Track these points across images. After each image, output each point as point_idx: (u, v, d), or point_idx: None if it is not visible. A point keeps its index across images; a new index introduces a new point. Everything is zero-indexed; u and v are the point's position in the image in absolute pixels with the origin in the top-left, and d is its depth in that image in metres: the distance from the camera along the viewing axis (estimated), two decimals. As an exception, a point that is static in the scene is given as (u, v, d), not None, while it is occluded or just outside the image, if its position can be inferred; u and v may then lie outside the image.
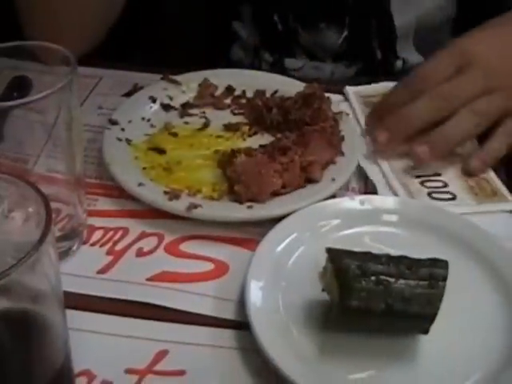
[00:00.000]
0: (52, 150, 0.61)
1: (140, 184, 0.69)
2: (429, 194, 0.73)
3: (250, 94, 0.85)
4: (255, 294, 0.58)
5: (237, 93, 0.86)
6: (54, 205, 0.47)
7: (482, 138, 0.77)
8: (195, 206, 0.66)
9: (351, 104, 0.86)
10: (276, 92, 0.84)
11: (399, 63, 1.02)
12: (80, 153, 0.64)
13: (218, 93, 0.85)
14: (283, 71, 0.97)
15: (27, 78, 0.64)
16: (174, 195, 0.68)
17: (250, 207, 0.67)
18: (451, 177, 0.75)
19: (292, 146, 0.71)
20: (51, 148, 0.61)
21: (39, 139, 0.60)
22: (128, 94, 0.86)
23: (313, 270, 0.58)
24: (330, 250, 0.56)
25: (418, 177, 0.75)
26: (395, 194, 0.72)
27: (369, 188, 0.74)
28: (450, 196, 0.73)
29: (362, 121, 0.83)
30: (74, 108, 0.60)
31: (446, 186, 0.74)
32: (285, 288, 0.60)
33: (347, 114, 0.81)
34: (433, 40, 0.98)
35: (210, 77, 0.86)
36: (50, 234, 0.43)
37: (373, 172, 0.75)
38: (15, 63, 0.62)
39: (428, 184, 0.74)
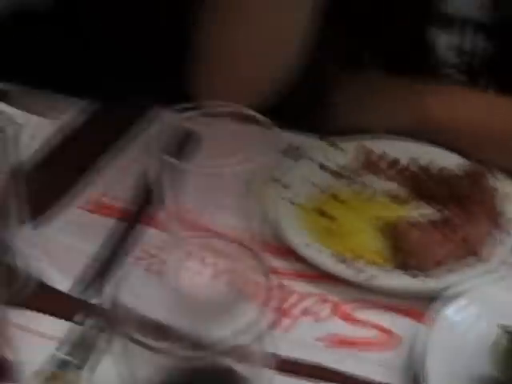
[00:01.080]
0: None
1: (307, 245, 0.71)
2: None
3: (404, 162, 0.85)
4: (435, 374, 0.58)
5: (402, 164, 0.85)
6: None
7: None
8: (365, 273, 0.68)
9: None
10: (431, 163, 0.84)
11: None
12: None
13: (379, 160, 0.86)
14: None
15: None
16: (341, 259, 0.70)
17: (420, 279, 0.68)
18: None
19: (457, 220, 0.73)
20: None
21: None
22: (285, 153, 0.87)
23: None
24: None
25: None
26: None
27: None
28: None
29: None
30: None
31: None
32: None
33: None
34: None
35: (366, 143, 0.87)
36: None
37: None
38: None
39: None
